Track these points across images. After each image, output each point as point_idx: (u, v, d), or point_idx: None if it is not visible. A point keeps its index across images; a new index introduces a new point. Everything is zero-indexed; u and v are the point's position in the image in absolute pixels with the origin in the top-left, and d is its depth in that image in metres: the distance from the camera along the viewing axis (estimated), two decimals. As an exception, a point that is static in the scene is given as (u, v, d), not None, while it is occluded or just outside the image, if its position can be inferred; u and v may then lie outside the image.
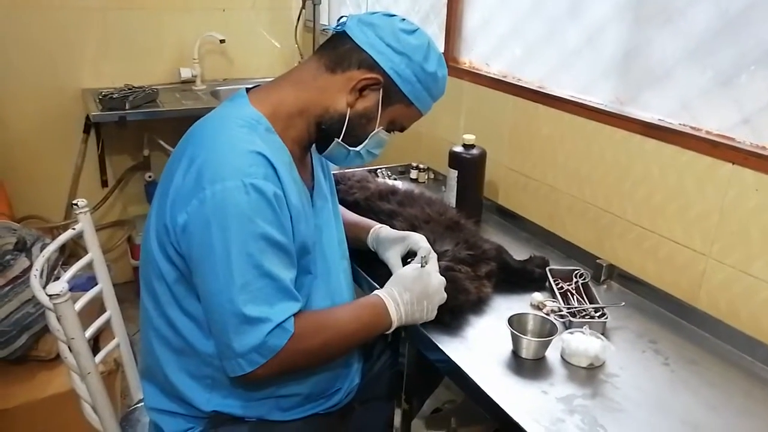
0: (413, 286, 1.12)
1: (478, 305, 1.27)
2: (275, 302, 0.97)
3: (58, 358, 1.72)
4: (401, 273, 1.16)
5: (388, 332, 1.12)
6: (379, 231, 1.33)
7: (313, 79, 1.08)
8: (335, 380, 1.20)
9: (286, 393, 1.12)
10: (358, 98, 1.07)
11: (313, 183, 1.19)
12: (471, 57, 2.06)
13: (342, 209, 1.40)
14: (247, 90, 1.10)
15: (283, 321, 0.97)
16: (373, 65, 1.05)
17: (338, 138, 1.10)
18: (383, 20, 1.07)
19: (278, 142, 1.05)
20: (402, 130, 1.16)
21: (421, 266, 1.15)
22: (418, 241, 1.25)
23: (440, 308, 1.17)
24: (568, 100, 1.61)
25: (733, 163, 1.22)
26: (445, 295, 1.16)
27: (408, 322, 1.13)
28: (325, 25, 2.78)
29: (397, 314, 1.10)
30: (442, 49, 2.10)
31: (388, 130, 1.14)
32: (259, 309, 0.96)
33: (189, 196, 0.96)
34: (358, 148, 1.12)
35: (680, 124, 1.36)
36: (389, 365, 1.38)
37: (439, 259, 1.23)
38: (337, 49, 1.07)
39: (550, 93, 1.69)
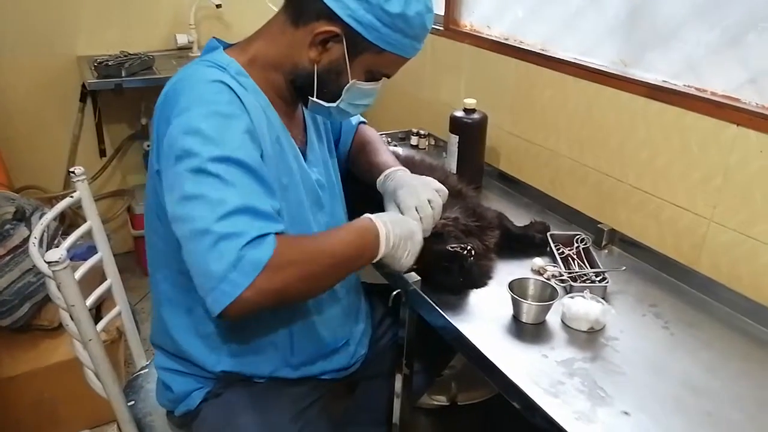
0: (402, 224, 1.08)
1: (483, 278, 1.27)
2: (253, 221, 0.89)
3: (61, 326, 1.73)
4: (390, 212, 1.12)
5: (373, 260, 1.05)
6: (396, 174, 1.24)
7: (281, 33, 1.03)
8: (342, 330, 1.21)
9: (294, 349, 1.13)
10: (322, 52, 1.01)
11: (305, 139, 1.16)
12: (472, 20, 2.02)
13: (373, 135, 1.38)
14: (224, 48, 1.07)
15: (263, 234, 0.88)
16: (331, 15, 0.97)
17: (312, 96, 1.06)
18: None
19: (252, 85, 1.02)
20: (388, 76, 1.09)
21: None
22: (405, 199, 1.18)
23: (448, 279, 1.16)
24: (571, 62, 1.58)
25: (738, 125, 1.20)
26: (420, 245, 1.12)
27: (389, 256, 1.06)
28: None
29: (386, 245, 1.04)
30: (441, 12, 2.06)
31: (370, 80, 1.06)
32: (233, 225, 0.88)
33: (161, 137, 0.94)
34: (335, 104, 1.07)
35: (685, 86, 1.33)
36: (394, 343, 1.38)
37: (447, 231, 1.21)
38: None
39: (552, 55, 1.65)
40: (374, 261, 1.05)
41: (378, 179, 1.26)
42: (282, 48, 1.03)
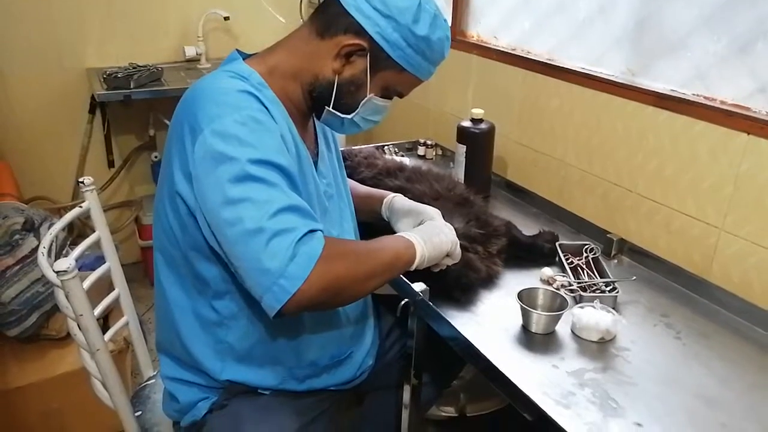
0: (431, 235, 1.11)
1: (488, 282, 1.26)
2: (301, 218, 0.92)
3: (68, 336, 1.73)
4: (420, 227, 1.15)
5: (411, 266, 1.08)
6: (393, 200, 1.31)
7: (305, 44, 1.05)
8: (347, 343, 1.19)
9: (299, 359, 1.12)
10: (345, 65, 1.04)
11: (317, 150, 1.17)
12: (479, 30, 2.02)
13: (353, 183, 1.39)
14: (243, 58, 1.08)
15: (313, 230, 0.91)
16: (359, 30, 1.01)
17: (328, 106, 1.08)
18: None
19: (272, 97, 1.03)
20: (401, 96, 1.12)
21: None
22: (433, 216, 1.23)
23: (451, 285, 1.15)
24: (578, 72, 1.58)
25: (748, 134, 1.19)
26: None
27: (431, 251, 1.09)
28: None
29: (421, 254, 1.07)
30: (449, 23, 2.07)
31: (385, 97, 1.09)
32: (284, 222, 0.90)
33: (190, 148, 0.93)
34: (350, 116, 1.09)
35: (693, 95, 1.33)
36: (402, 354, 1.38)
37: None
38: (326, 12, 1.04)
39: (559, 65, 1.65)
40: (411, 269, 1.08)
41: (385, 200, 1.32)
42: (304, 58, 1.05)
